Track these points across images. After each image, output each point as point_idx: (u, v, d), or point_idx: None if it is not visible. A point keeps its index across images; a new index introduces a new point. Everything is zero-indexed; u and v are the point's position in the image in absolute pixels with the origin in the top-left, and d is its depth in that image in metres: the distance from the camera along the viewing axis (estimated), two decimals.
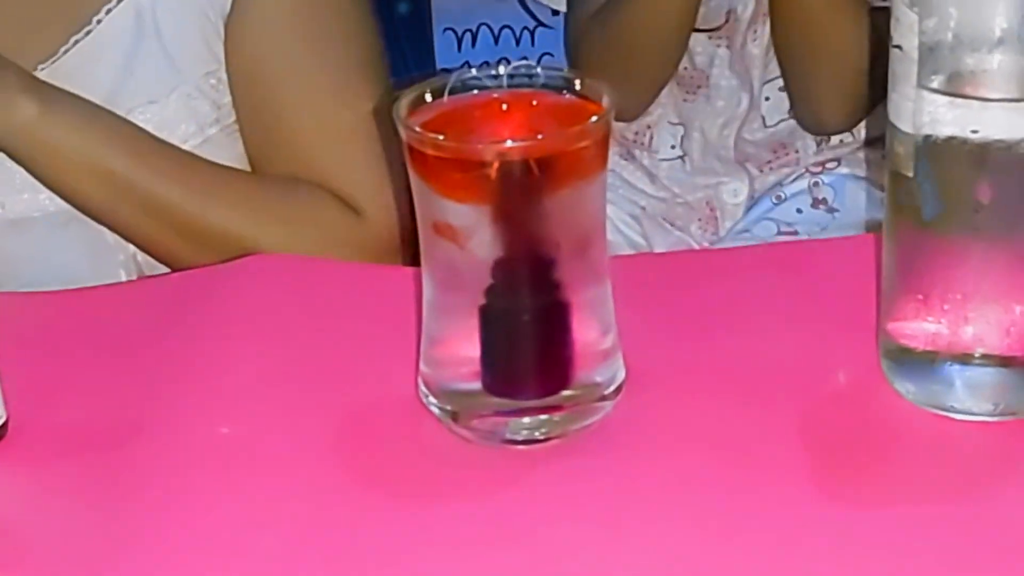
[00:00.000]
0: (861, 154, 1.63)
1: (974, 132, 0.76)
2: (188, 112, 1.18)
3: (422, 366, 0.82)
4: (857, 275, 0.89)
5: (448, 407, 0.81)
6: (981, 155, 0.76)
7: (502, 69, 0.80)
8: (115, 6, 1.18)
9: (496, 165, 0.75)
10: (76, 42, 1.18)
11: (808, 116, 1.59)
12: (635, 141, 1.66)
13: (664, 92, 1.62)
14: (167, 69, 1.18)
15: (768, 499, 0.76)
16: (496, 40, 1.98)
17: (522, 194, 0.76)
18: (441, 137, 0.76)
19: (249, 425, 0.84)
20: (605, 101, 0.78)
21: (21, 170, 1.13)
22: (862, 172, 1.63)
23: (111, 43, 1.18)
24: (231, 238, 1.12)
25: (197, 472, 0.80)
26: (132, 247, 1.18)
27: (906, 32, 0.77)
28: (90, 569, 0.74)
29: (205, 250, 1.11)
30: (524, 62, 0.80)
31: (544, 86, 0.79)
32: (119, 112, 1.15)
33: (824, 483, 0.77)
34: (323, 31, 1.20)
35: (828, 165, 1.63)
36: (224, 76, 1.19)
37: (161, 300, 0.97)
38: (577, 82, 0.79)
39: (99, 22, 1.18)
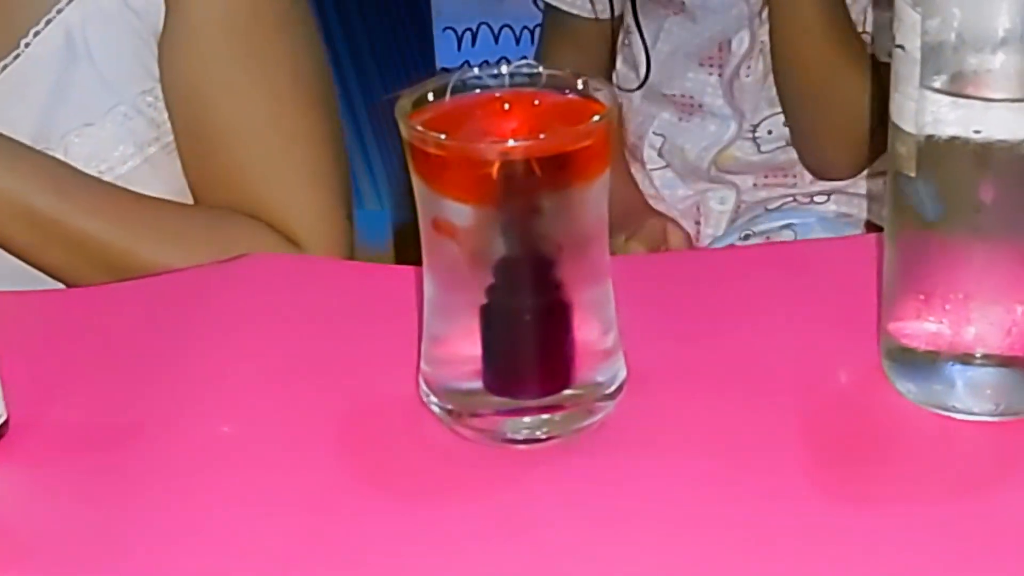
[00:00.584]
0: (863, 184, 1.62)
1: (977, 132, 0.76)
2: (126, 132, 1.14)
3: (423, 365, 0.82)
4: (858, 275, 0.89)
5: (449, 406, 0.80)
6: (983, 155, 0.76)
7: (504, 68, 0.80)
8: (43, 29, 1.14)
9: (498, 164, 0.75)
10: (5, 67, 1.14)
11: (812, 163, 1.59)
12: (632, 154, 1.68)
13: (655, 108, 1.64)
14: (101, 90, 1.14)
15: (769, 498, 0.76)
16: (496, 39, 1.98)
17: (524, 193, 0.76)
18: (443, 136, 0.76)
19: (249, 425, 0.83)
20: (607, 100, 0.78)
21: None
22: (852, 209, 1.62)
23: (41, 66, 1.14)
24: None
25: (197, 471, 0.80)
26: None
27: (909, 32, 0.77)
28: (90, 568, 0.74)
29: None
30: (526, 61, 0.80)
31: (546, 85, 0.79)
32: (55, 136, 1.12)
33: (825, 483, 0.77)
34: (260, 51, 1.14)
35: (817, 199, 1.62)
36: (161, 93, 1.15)
37: (160, 299, 0.97)
38: (579, 81, 0.79)
39: (27, 45, 1.14)
